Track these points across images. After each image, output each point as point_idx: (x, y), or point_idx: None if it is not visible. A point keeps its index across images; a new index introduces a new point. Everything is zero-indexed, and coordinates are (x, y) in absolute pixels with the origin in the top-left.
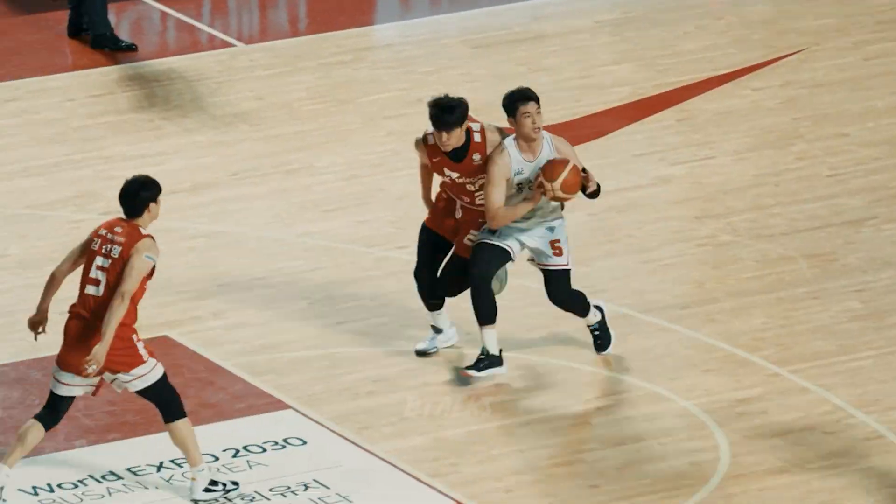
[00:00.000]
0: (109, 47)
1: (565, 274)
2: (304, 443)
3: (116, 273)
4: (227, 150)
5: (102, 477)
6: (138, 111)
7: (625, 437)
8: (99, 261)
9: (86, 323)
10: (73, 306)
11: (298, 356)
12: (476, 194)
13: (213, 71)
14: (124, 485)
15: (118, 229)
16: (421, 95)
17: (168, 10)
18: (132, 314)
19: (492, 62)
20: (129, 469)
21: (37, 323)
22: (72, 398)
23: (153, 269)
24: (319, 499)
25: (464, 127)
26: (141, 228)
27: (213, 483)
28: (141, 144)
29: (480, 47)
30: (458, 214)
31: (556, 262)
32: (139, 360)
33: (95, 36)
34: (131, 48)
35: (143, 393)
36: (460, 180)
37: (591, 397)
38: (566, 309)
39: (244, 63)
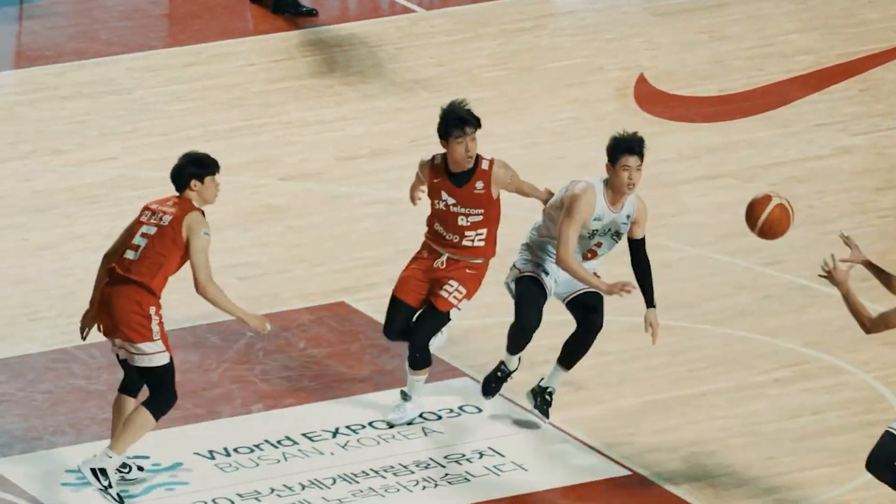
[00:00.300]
0: (290, 12)
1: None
2: (480, 411)
3: (163, 239)
4: (406, 117)
5: (278, 442)
6: (318, 76)
7: (802, 410)
8: (145, 228)
9: (115, 287)
10: (110, 271)
11: (475, 324)
12: (466, 233)
13: (394, 37)
14: (300, 450)
15: (170, 203)
16: (603, 63)
17: None
18: (161, 283)
19: (674, 30)
20: (304, 434)
21: (89, 321)
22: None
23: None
24: (494, 467)
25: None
26: (192, 202)
27: (104, 474)
28: (321, 110)
29: (663, 15)
30: (442, 266)
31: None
32: (148, 336)
33: (277, 1)
34: (312, 13)
35: (141, 372)
36: (455, 209)
37: (768, 368)
38: (593, 341)
39: (424, 29)
